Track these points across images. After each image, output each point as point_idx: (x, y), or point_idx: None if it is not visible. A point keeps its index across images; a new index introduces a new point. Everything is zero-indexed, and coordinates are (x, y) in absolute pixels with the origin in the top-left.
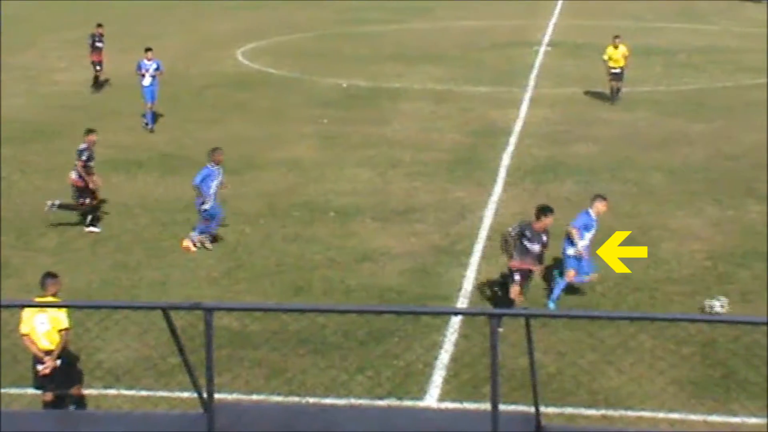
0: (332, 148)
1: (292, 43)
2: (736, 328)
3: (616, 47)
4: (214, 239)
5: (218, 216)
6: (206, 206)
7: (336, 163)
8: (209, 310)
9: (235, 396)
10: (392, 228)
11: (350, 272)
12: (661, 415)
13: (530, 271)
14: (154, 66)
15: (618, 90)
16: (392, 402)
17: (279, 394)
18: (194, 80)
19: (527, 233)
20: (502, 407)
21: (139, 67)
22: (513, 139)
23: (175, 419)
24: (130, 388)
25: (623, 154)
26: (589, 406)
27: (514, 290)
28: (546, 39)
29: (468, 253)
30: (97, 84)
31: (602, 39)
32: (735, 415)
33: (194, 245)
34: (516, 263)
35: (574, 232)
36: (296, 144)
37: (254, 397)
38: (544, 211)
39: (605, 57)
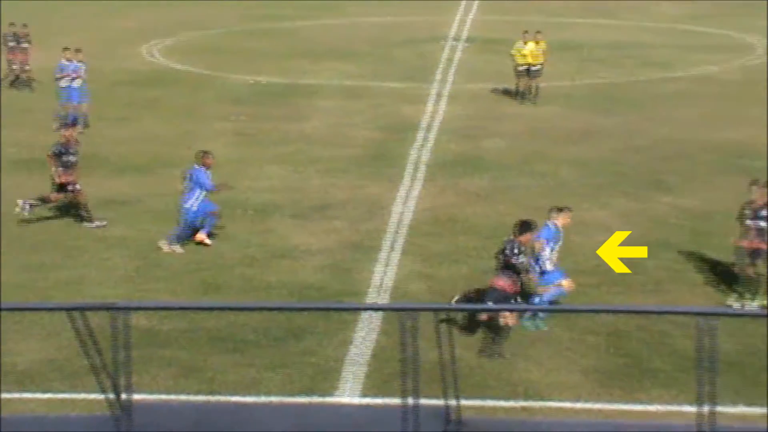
0: (248, 145)
1: (200, 40)
2: (642, 318)
3: (537, 42)
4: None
5: (192, 217)
6: (187, 205)
7: (252, 160)
8: (123, 310)
9: (149, 396)
10: (310, 225)
11: (269, 269)
12: (579, 405)
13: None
14: (83, 67)
15: (536, 88)
16: (311, 399)
17: (195, 393)
18: (104, 77)
19: (516, 249)
20: (420, 401)
21: (62, 69)
22: (424, 135)
23: (83, 422)
24: (43, 391)
25: (534, 148)
26: (509, 398)
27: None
28: (459, 35)
29: (384, 248)
30: (17, 82)
31: (516, 35)
32: (642, 402)
33: (207, 238)
34: (502, 282)
35: (539, 245)
36: (211, 141)
37: (170, 396)
38: (528, 226)
39: (521, 52)
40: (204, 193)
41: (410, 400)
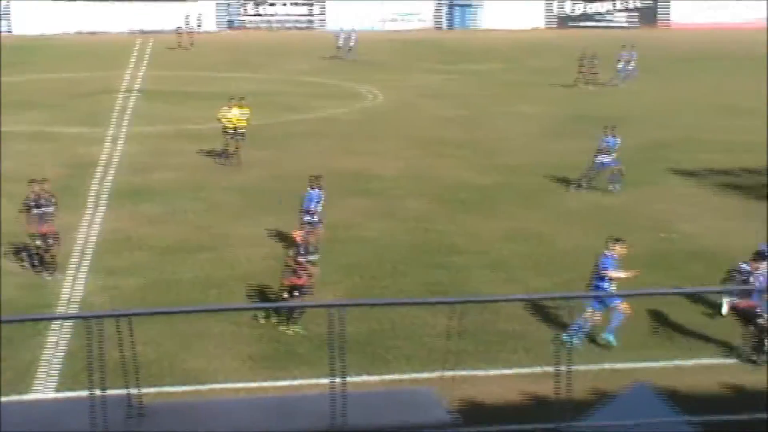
0: None
1: None
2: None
3: (241, 108)
4: None
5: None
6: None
7: None
8: None
9: None
10: (4, 249)
11: None
12: (240, 385)
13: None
14: None
15: (237, 149)
16: (11, 398)
17: None
18: None
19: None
20: (109, 392)
21: None
22: (104, 170)
23: None
24: None
25: (199, 178)
26: (182, 384)
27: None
28: (130, 87)
29: (71, 266)
30: None
31: (180, 86)
32: (294, 378)
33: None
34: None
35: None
36: None
37: None
38: (762, 255)
39: (227, 116)
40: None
41: (97, 392)
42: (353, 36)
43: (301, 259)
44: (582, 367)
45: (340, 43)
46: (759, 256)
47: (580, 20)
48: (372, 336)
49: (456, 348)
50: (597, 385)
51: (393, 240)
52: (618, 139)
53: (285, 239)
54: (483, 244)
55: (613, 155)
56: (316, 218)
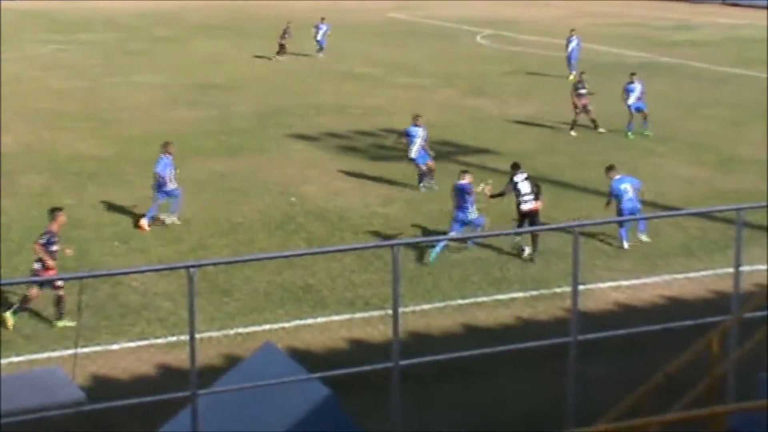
0: None
1: None
2: None
3: None
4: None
5: (178, 194)
6: (168, 188)
7: None
8: None
9: None
10: None
11: None
12: None
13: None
14: None
15: None
16: None
17: None
18: None
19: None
20: None
21: None
22: None
23: None
24: None
25: None
26: None
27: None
28: None
29: None
30: None
31: None
32: None
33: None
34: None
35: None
36: None
37: None
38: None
39: None
40: (171, 170)
41: None
42: None
43: (53, 248)
44: (216, 333)
45: None
46: (515, 166)
47: None
48: None
49: (85, 324)
50: (230, 351)
51: (11, 219)
52: None
53: None
54: (106, 216)
55: None
56: (172, 186)
